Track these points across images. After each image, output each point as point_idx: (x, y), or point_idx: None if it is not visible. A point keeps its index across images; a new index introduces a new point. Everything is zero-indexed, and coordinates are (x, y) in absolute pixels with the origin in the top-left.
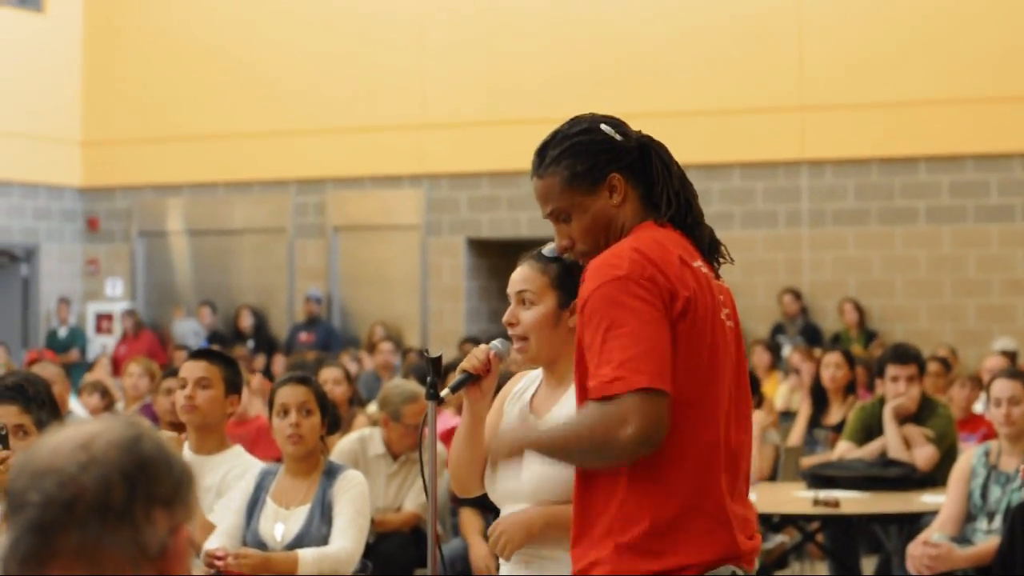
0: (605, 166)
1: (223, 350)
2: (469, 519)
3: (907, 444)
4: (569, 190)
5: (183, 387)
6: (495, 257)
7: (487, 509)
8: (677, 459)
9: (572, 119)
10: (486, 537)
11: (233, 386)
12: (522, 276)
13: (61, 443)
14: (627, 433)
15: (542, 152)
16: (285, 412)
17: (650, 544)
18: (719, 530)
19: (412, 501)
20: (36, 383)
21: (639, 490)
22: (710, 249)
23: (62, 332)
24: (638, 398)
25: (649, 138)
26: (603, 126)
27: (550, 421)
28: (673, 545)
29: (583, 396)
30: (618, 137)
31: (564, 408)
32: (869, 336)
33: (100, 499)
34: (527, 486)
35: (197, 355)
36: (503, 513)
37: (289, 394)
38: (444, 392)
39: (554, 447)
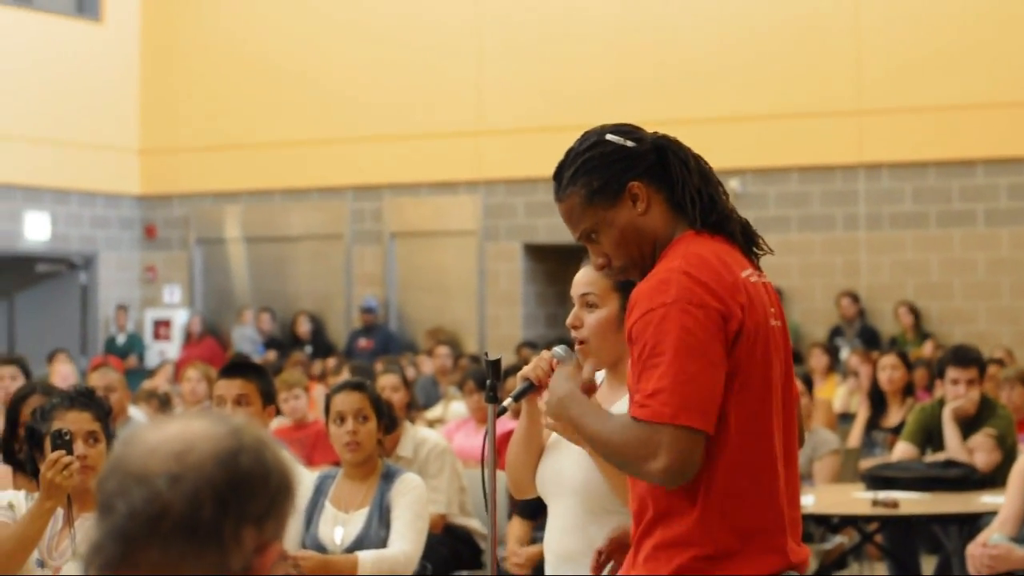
0: (621, 176)
1: (276, 356)
2: (513, 528)
3: (971, 450)
4: (591, 208)
5: (221, 406)
6: (552, 262)
7: (535, 519)
8: (736, 479)
9: (582, 135)
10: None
11: (268, 397)
12: (586, 279)
13: (159, 445)
14: (655, 466)
15: (559, 175)
16: (342, 420)
17: (706, 564)
18: (776, 553)
19: (431, 504)
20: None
21: (700, 512)
22: (746, 243)
23: (120, 339)
24: (676, 433)
25: (665, 138)
26: (610, 136)
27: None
28: (732, 564)
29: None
30: (629, 144)
31: (623, 409)
32: (925, 338)
33: (187, 518)
34: (574, 478)
35: (231, 373)
36: (550, 510)
37: (345, 401)
38: (507, 401)
39: (591, 437)
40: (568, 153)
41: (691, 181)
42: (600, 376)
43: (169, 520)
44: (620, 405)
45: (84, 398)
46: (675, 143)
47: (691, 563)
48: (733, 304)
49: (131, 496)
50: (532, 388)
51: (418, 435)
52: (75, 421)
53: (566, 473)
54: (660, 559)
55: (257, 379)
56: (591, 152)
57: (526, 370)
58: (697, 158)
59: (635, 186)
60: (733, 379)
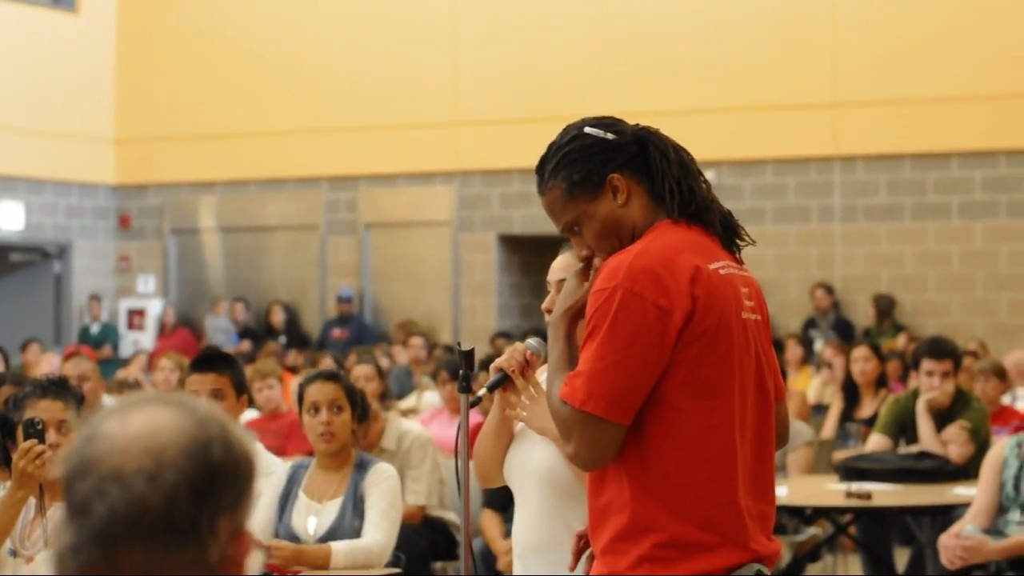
0: (601, 168)
1: (250, 346)
2: (489, 521)
3: (945, 442)
4: (572, 201)
5: None
6: (527, 253)
7: (506, 511)
8: (691, 472)
9: (564, 129)
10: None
11: (241, 387)
12: (562, 265)
13: (130, 443)
14: (567, 449)
15: (540, 169)
16: (316, 410)
17: (667, 553)
18: (736, 547)
19: (412, 495)
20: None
21: (655, 502)
22: (726, 234)
23: (94, 329)
24: (586, 420)
25: (646, 129)
26: (589, 129)
27: None
28: (692, 556)
29: None
30: (609, 136)
31: None
32: (899, 330)
33: (165, 515)
34: (541, 466)
35: (202, 367)
36: (517, 500)
37: (319, 392)
38: (481, 391)
39: (547, 387)
40: (550, 147)
41: (670, 172)
42: None
43: (148, 521)
44: None
45: (56, 387)
46: (656, 134)
47: (652, 551)
48: (682, 297)
49: (110, 497)
50: (506, 379)
51: (401, 427)
52: (47, 410)
53: (533, 461)
54: (619, 551)
55: (229, 371)
56: (571, 145)
57: (500, 361)
58: (678, 149)
59: (615, 178)
60: (681, 371)
